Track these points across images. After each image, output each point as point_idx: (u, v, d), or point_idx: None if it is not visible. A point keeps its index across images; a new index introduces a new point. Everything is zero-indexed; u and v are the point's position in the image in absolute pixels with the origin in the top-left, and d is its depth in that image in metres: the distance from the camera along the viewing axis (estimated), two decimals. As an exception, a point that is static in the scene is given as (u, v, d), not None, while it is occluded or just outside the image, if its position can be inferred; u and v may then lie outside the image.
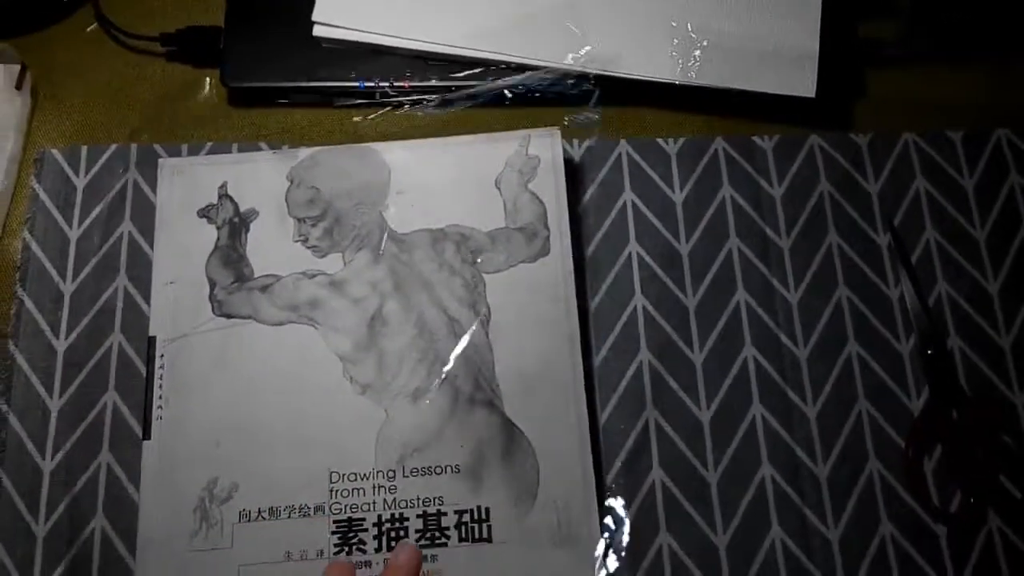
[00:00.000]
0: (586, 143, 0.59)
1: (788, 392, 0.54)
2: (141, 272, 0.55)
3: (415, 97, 0.59)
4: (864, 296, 0.56)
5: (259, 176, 0.55)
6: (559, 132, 0.56)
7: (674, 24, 0.59)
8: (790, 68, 0.58)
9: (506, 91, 0.59)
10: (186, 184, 0.55)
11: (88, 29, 0.62)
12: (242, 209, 0.55)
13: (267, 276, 0.53)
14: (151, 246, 0.55)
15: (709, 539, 0.51)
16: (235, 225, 0.54)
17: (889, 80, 0.61)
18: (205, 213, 0.55)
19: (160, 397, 0.51)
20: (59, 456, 0.51)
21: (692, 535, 0.51)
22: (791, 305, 0.56)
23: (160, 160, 0.56)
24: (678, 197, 0.58)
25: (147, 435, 0.50)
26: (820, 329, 0.55)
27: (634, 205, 0.58)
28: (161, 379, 0.51)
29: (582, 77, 0.58)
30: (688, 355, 0.54)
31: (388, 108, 0.59)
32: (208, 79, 0.60)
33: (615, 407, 0.53)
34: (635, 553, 0.50)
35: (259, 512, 0.48)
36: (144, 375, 0.52)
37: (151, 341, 0.52)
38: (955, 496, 0.52)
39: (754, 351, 0.55)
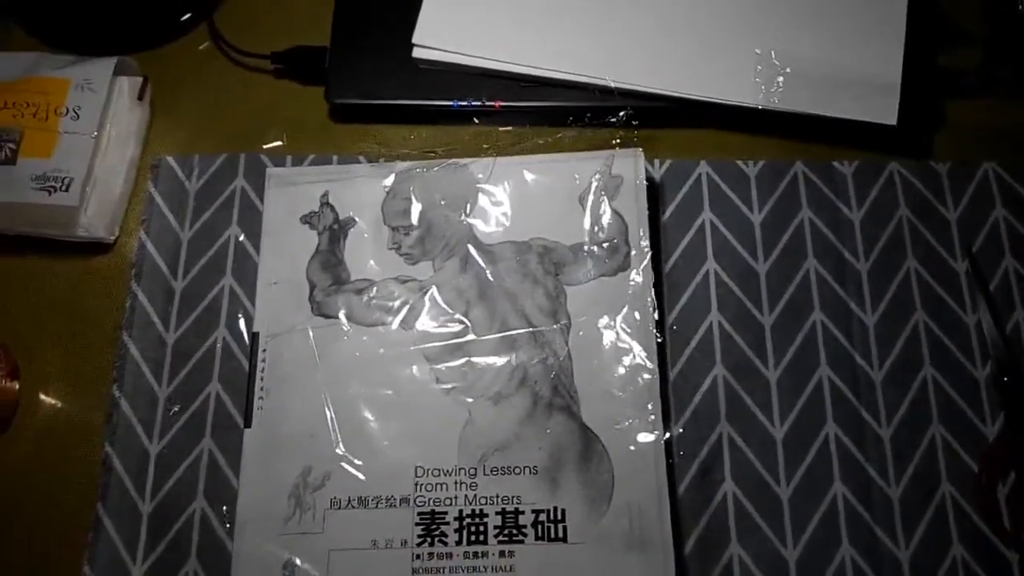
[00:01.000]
0: (667, 163, 0.60)
1: (862, 412, 0.54)
2: (245, 273, 0.58)
3: (505, 116, 0.61)
4: (941, 321, 0.56)
5: (358, 187, 0.58)
6: (642, 152, 0.57)
7: (758, 51, 0.60)
8: (872, 95, 0.58)
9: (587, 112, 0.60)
10: (290, 193, 0.58)
11: (203, 46, 0.66)
12: (341, 217, 0.57)
13: (363, 280, 0.56)
14: (256, 249, 0.58)
15: (780, 553, 0.51)
16: (335, 232, 0.57)
17: (968, 110, 0.61)
18: (307, 220, 0.58)
19: (261, 389, 0.54)
20: (165, 440, 0.54)
21: (763, 548, 0.51)
22: (867, 327, 0.56)
23: (268, 170, 0.59)
24: (756, 218, 0.59)
25: (248, 423, 0.53)
26: (896, 352, 0.55)
27: (712, 224, 0.59)
28: (263, 372, 0.54)
29: (666, 99, 0.60)
30: (763, 372, 0.55)
31: (480, 126, 0.62)
32: (313, 95, 0.63)
33: (689, 419, 0.54)
34: (706, 562, 0.51)
35: (349, 501, 0.51)
36: (246, 368, 0.55)
37: (255, 336, 0.55)
38: (1029, 523, 0.51)
39: (829, 371, 0.55)
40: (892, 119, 0.58)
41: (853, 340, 0.56)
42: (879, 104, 0.58)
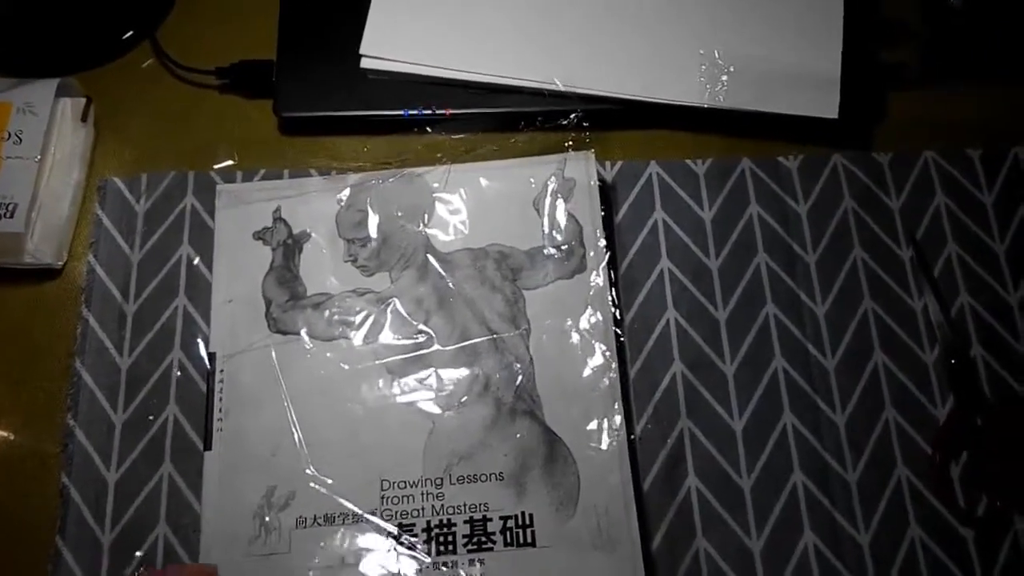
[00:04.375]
0: (618, 165, 0.60)
1: (817, 401, 0.55)
2: (199, 293, 0.56)
3: (456, 122, 0.61)
4: (889, 308, 0.57)
5: (311, 200, 0.57)
6: (593, 155, 0.57)
7: (702, 52, 0.60)
8: (814, 91, 0.59)
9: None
10: (242, 209, 0.57)
11: (146, 64, 0.64)
12: (295, 231, 0.56)
13: (319, 294, 0.55)
14: (208, 268, 0.57)
15: (744, 544, 0.52)
16: (289, 247, 0.56)
17: (909, 101, 0.62)
18: (261, 236, 0.56)
19: (220, 410, 0.52)
20: (123, 468, 0.53)
21: (728, 540, 0.52)
22: (818, 317, 0.57)
23: (218, 187, 0.58)
24: (707, 215, 0.59)
25: (208, 446, 0.52)
26: (847, 340, 0.56)
27: (665, 223, 0.59)
28: (221, 392, 0.53)
29: (613, 101, 0.60)
30: (720, 366, 0.55)
31: (430, 134, 0.61)
32: (261, 110, 0.62)
33: (651, 416, 0.54)
34: (673, 557, 0.51)
35: (315, 519, 0.50)
36: (203, 390, 0.54)
37: (211, 357, 0.54)
38: (981, 500, 0.52)
39: (783, 362, 0.56)
40: (833, 113, 0.58)
41: (805, 330, 0.56)
42: (820, 99, 0.59)
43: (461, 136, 0.61)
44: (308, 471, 0.51)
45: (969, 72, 0.63)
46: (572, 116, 0.59)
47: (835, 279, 0.57)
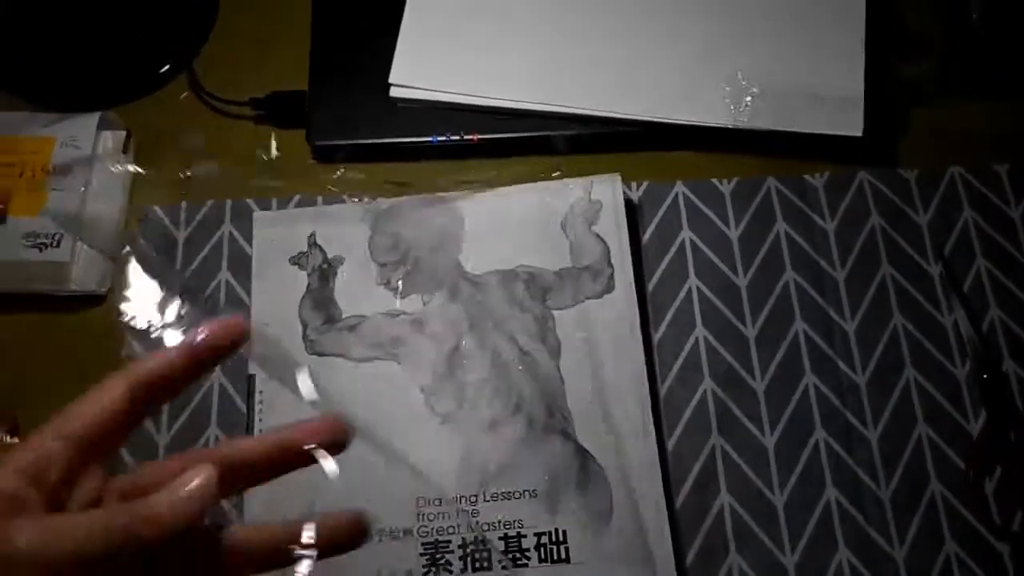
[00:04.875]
0: (644, 185, 0.61)
1: (848, 416, 0.55)
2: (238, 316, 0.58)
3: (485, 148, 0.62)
4: (919, 324, 0.57)
5: (344, 226, 0.59)
6: (619, 177, 0.59)
7: (726, 73, 0.61)
8: (837, 109, 0.60)
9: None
10: (278, 235, 0.59)
11: (183, 96, 0.67)
12: (330, 256, 0.58)
13: (354, 317, 0.56)
14: (247, 292, 0.59)
15: (778, 560, 0.52)
16: (324, 271, 0.58)
17: (933, 117, 0.63)
18: (296, 261, 0.58)
19: (260, 431, 0.54)
20: (167, 488, 0.54)
21: (761, 556, 0.52)
22: (848, 333, 0.57)
23: (255, 214, 0.60)
24: (734, 233, 0.60)
25: None
26: (877, 356, 0.56)
27: (692, 242, 0.60)
28: (260, 414, 0.54)
29: (640, 124, 0.61)
30: (750, 383, 0.56)
31: (459, 160, 0.62)
32: (294, 138, 0.64)
33: (682, 434, 0.55)
34: (707, 573, 0.52)
35: None
36: (244, 411, 0.55)
37: (251, 379, 0.55)
38: (1017, 515, 0.52)
39: (814, 378, 0.56)
40: (858, 130, 0.59)
41: (835, 347, 0.57)
42: (844, 117, 0.59)
43: (488, 160, 0.62)
44: (345, 489, 0.52)
45: (992, 86, 0.63)
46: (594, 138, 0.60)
47: (864, 295, 0.58)
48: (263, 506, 0.52)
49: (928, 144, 0.62)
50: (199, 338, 0.34)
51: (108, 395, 0.32)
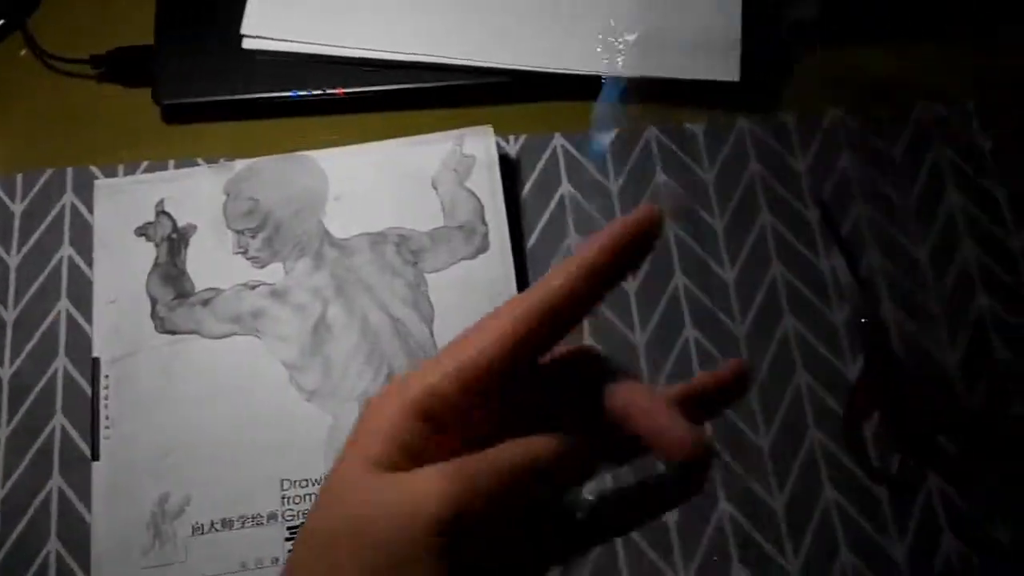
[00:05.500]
0: (521, 139, 0.59)
1: (729, 369, 0.54)
2: (82, 294, 0.54)
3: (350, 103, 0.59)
4: (798, 271, 0.57)
5: (196, 191, 0.55)
6: (491, 130, 0.56)
7: (599, 19, 0.59)
8: (714, 54, 0.59)
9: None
10: (122, 204, 0.55)
11: (21, 53, 0.61)
12: (180, 225, 0.54)
13: (208, 290, 0.53)
14: (92, 268, 0.54)
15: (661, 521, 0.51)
16: (174, 241, 0.54)
17: (813, 60, 0.62)
18: (143, 231, 0.54)
19: (107, 418, 0.50)
20: (10, 482, 0.51)
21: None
22: (728, 284, 0.56)
23: (96, 182, 0.56)
24: (614, 186, 0.59)
25: (96, 456, 0.50)
26: (756, 306, 0.56)
27: (572, 197, 0.58)
28: (107, 399, 0.51)
29: (513, 74, 0.58)
30: (631, 339, 0.55)
31: (323, 116, 0.59)
32: (141, 98, 0.59)
33: (562, 395, 0.53)
34: None
35: (212, 524, 0.48)
36: (89, 395, 0.52)
37: (95, 362, 0.51)
38: (894, 458, 0.53)
39: (694, 331, 0.55)
40: (735, 75, 0.58)
41: (714, 299, 0.56)
42: (721, 62, 0.58)
43: (355, 116, 0.59)
44: (203, 475, 0.49)
45: (872, 27, 0.63)
46: (470, 90, 0.58)
47: (743, 245, 0.57)
48: (111, 503, 0.49)
49: (808, 88, 0.61)
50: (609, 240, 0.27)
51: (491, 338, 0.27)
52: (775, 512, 0.52)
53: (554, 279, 0.28)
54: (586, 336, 0.52)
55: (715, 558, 0.51)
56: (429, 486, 0.25)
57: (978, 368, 0.55)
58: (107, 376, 0.51)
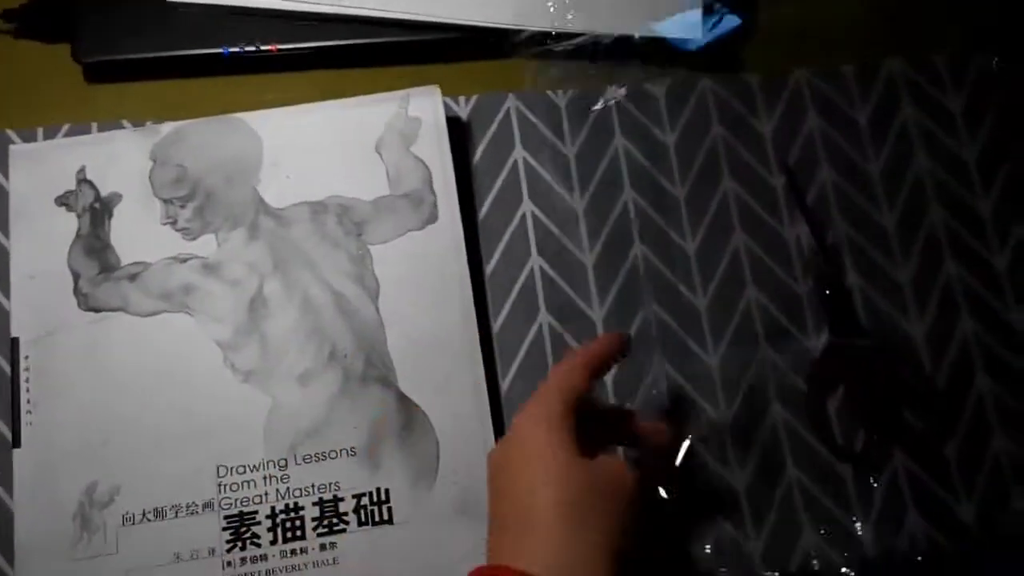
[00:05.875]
0: (472, 100, 0.56)
1: (689, 343, 0.53)
2: (-1, 269, 0.51)
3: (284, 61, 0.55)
4: (761, 240, 0.55)
5: (120, 157, 0.51)
6: (439, 90, 0.53)
7: (549, -30, 0.56)
8: (676, 10, 0.56)
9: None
10: (41, 171, 0.51)
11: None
12: (103, 194, 0.51)
13: (135, 264, 0.50)
14: (8, 238, 0.51)
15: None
16: (97, 211, 0.50)
17: (776, 17, 0.60)
18: (64, 201, 0.51)
19: (28, 401, 0.47)
20: (-77, 469, 0.48)
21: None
22: (689, 255, 0.54)
23: (11, 148, 0.52)
24: (570, 151, 0.56)
25: (17, 443, 0.47)
26: (718, 277, 0.54)
27: (526, 162, 0.55)
28: (28, 382, 0.48)
29: (463, 29, 0.55)
30: (588, 313, 0.53)
31: (257, 75, 0.56)
32: (61, 55, 0.55)
33: (515, 376, 0.51)
34: None
35: (144, 514, 0.46)
36: (9, 376, 0.49)
37: (14, 342, 0.48)
38: (859, 435, 0.51)
39: (654, 305, 0.53)
40: (698, 33, 0.55)
41: (675, 270, 0.54)
42: (684, 19, 0.55)
43: (291, 75, 0.56)
44: (133, 462, 0.46)
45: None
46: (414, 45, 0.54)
47: (705, 213, 0.55)
48: (34, 493, 0.46)
49: (773, 47, 0.59)
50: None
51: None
52: (737, 493, 0.50)
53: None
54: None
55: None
56: (626, 473, 0.40)
57: (946, 340, 0.53)
58: (27, 357, 0.48)
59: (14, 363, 0.48)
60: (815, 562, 0.49)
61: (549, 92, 0.57)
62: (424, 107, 0.53)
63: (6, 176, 0.52)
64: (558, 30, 0.55)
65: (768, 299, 0.54)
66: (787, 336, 0.53)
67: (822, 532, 0.50)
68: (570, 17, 0.55)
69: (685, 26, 0.56)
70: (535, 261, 0.54)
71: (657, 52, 0.57)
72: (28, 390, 0.48)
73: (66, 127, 0.54)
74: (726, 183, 0.56)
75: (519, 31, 0.56)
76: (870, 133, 0.58)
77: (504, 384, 0.51)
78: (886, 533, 0.50)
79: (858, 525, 0.50)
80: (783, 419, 0.52)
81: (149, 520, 0.46)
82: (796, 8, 0.60)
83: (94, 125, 0.54)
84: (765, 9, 0.60)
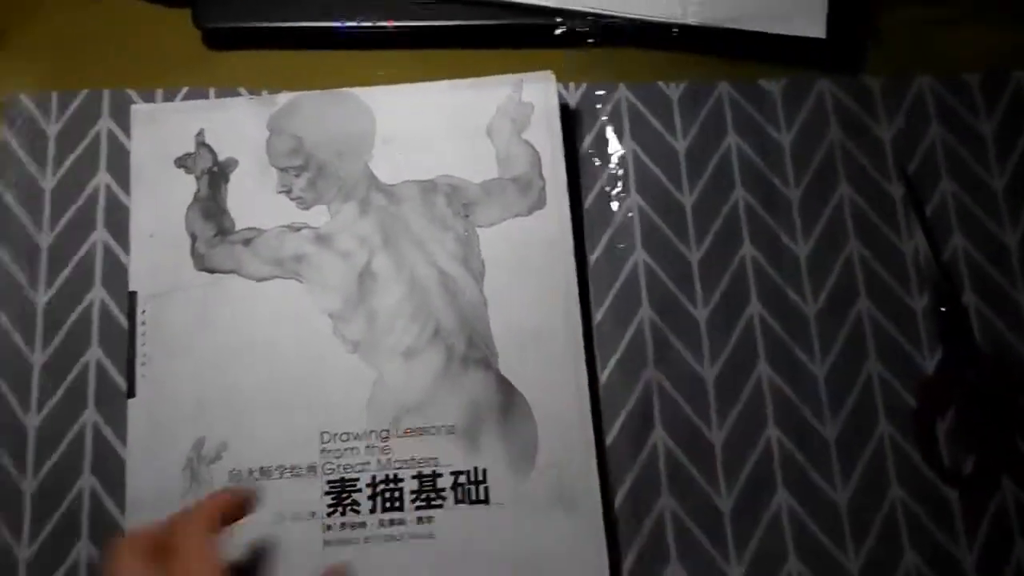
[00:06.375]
0: (582, 88, 0.55)
1: (795, 350, 0.52)
2: (120, 224, 0.53)
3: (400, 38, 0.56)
4: (876, 250, 0.54)
5: (237, 124, 0.53)
6: (553, 76, 0.53)
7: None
8: (799, 6, 0.55)
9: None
10: (161, 132, 0.53)
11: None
12: (221, 158, 0.52)
13: (249, 229, 0.51)
14: (129, 197, 0.52)
15: (713, 503, 0.49)
16: (214, 175, 0.52)
17: (903, 20, 0.58)
18: (182, 163, 0.52)
19: (144, 355, 0.49)
20: (44, 412, 0.50)
21: (695, 499, 0.50)
22: (799, 259, 0.53)
23: (133, 108, 0.54)
24: (680, 145, 0.55)
25: (132, 393, 0.49)
26: (830, 285, 0.53)
27: (634, 154, 0.55)
28: (144, 335, 0.49)
29: (577, 16, 0.55)
30: (691, 312, 0.52)
31: (371, 50, 0.57)
32: (182, 20, 0.56)
33: (615, 366, 0.51)
34: (637, 516, 0.49)
35: (250, 472, 0.47)
36: (125, 329, 0.50)
37: (132, 296, 0.50)
38: (968, 459, 0.50)
39: (760, 308, 0.52)
40: (821, 32, 0.54)
41: (784, 274, 0.53)
42: (806, 16, 0.55)
43: (406, 53, 0.57)
44: (241, 422, 0.47)
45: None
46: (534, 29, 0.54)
47: (819, 217, 0.54)
48: (146, 443, 0.48)
49: (897, 50, 0.58)
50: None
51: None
52: (837, 506, 0.49)
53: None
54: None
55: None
56: None
57: (1066, 367, 0.51)
58: (144, 312, 0.50)
59: (131, 316, 0.50)
60: (914, 586, 0.48)
61: (661, 84, 0.56)
62: (537, 93, 0.53)
63: (128, 134, 0.53)
64: (679, 22, 0.55)
65: (880, 311, 0.52)
66: (899, 351, 0.52)
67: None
68: (692, 9, 0.55)
69: (807, 23, 0.55)
70: (639, 255, 0.53)
71: (775, 48, 0.56)
72: (144, 344, 0.49)
73: (184, 90, 0.55)
74: (842, 188, 0.54)
75: (637, 20, 0.55)
76: (995, 147, 0.56)
77: (602, 377, 0.51)
78: (991, 560, 0.48)
79: (963, 551, 0.48)
80: (890, 437, 0.50)
81: (255, 478, 0.47)
82: (920, 11, 0.58)
83: (211, 90, 0.55)
84: (888, 11, 0.58)
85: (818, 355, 0.52)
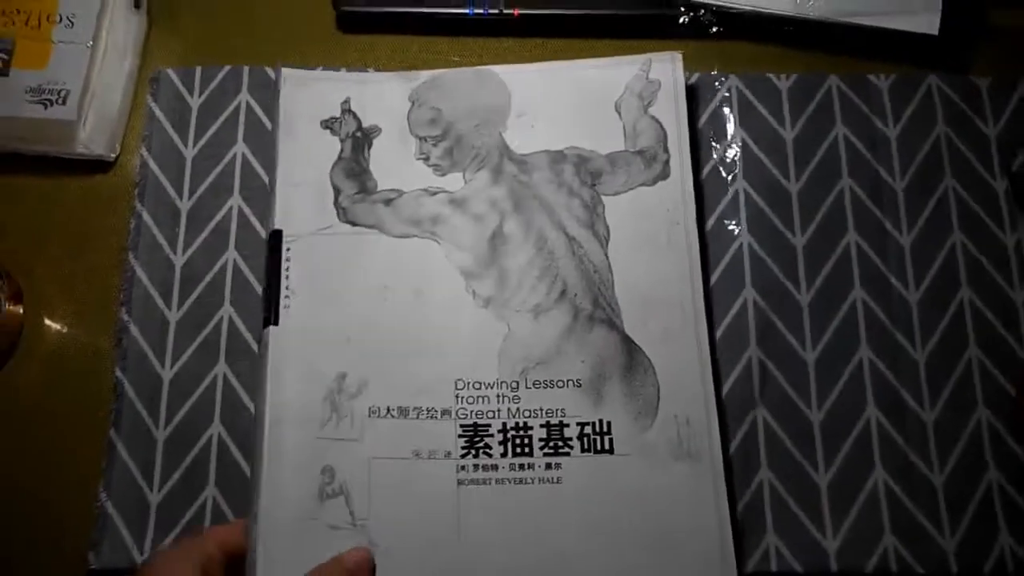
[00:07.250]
0: (695, 76, 0.58)
1: (897, 335, 0.54)
2: (254, 193, 0.57)
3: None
4: (979, 242, 0.56)
5: (382, 95, 0.57)
6: (680, 56, 0.57)
7: (795, -42, 0.58)
8: (913, 3, 0.58)
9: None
10: (309, 95, 0.57)
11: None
12: (365, 125, 0.56)
13: (390, 191, 0.55)
14: (263, 167, 0.57)
15: (811, 478, 0.52)
16: (358, 139, 0.56)
17: (1014, 20, 0.60)
18: (328, 125, 0.56)
19: (287, 288, 0.52)
20: (178, 366, 0.54)
21: (793, 474, 0.52)
22: (903, 248, 0.56)
23: (284, 70, 0.57)
24: (788, 134, 0.58)
25: (275, 321, 0.51)
26: (932, 274, 0.55)
27: (743, 141, 0.58)
28: (288, 270, 0.52)
29: (697, 7, 0.58)
30: (795, 295, 0.55)
31: (495, 37, 0.61)
32: (319, 4, 0.61)
33: (719, 342, 0.54)
34: (747, 472, 0.52)
35: (388, 410, 0.50)
36: (258, 291, 0.54)
37: (277, 234, 0.53)
38: (1066, 448, 0.52)
39: (863, 293, 0.55)
40: (934, 29, 0.57)
41: (888, 262, 0.55)
42: (920, 13, 0.57)
43: (530, 40, 0.60)
44: (380, 363, 0.51)
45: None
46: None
47: (923, 209, 0.57)
48: (288, 369, 0.51)
49: (1007, 50, 0.60)
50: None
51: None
52: (935, 488, 0.51)
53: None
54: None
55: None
56: None
57: None
58: (288, 249, 0.53)
59: (273, 250, 0.53)
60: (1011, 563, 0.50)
61: (771, 75, 0.59)
62: (664, 71, 0.56)
63: (264, 108, 0.58)
64: (796, 16, 0.57)
65: (982, 301, 0.55)
66: (999, 341, 0.54)
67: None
68: (809, 6, 0.57)
69: (920, 20, 0.57)
70: (745, 238, 0.56)
71: (883, 45, 0.59)
72: (288, 276, 0.52)
73: (319, 69, 0.59)
74: (948, 180, 0.57)
75: (758, 12, 0.58)
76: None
77: (717, 334, 0.54)
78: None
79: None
80: (988, 423, 0.52)
81: (393, 417, 0.50)
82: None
83: (343, 70, 0.59)
84: (998, 12, 0.61)
85: (919, 341, 0.54)
